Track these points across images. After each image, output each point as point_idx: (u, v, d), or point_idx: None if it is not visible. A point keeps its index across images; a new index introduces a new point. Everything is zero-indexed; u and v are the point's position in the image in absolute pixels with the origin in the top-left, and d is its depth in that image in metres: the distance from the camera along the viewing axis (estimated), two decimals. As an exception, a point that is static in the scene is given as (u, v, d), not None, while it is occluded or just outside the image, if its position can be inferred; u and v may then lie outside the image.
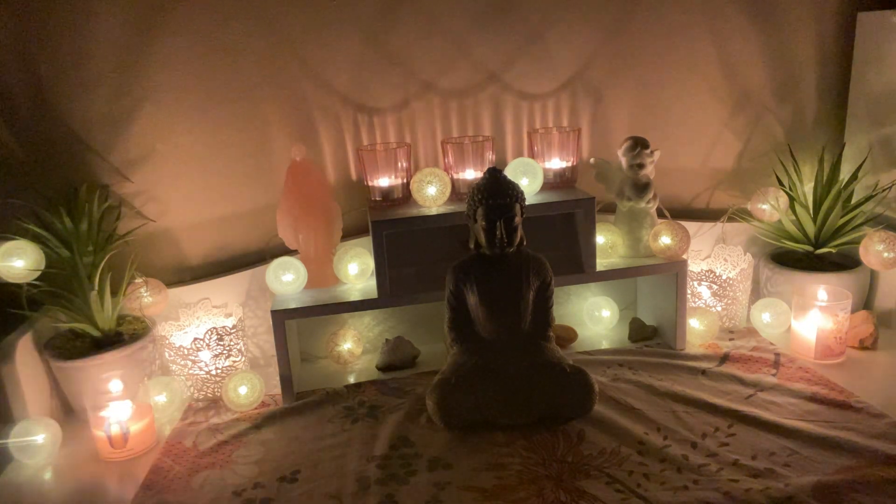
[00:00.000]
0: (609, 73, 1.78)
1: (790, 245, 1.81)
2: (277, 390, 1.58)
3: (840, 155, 1.77)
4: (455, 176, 1.65)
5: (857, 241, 1.70)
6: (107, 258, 1.54)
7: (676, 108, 1.84)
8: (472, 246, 1.47)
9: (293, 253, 1.66)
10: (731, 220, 1.86)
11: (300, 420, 1.49)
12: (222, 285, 1.72)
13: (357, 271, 1.61)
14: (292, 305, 1.55)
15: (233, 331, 1.61)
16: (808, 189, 1.84)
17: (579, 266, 1.63)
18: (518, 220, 1.42)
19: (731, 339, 1.72)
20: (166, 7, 1.57)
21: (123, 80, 1.59)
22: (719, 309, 1.76)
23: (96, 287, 1.51)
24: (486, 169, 1.48)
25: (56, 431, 1.43)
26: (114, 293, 1.56)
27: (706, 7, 1.77)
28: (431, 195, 1.58)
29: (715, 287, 1.75)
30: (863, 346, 1.63)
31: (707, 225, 1.86)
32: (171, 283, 1.69)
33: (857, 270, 1.72)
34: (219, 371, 1.59)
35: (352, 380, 1.66)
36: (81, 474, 1.37)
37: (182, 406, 1.58)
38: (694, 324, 1.69)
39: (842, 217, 1.74)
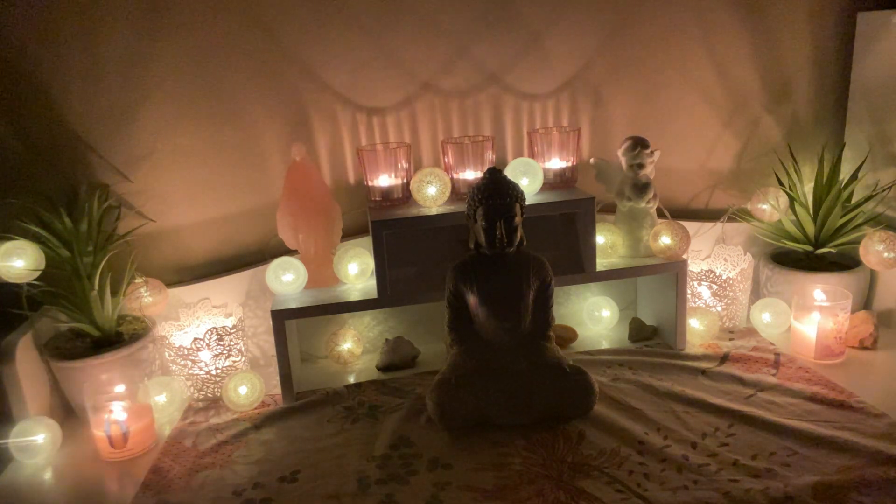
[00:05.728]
0: (609, 73, 1.78)
1: (790, 245, 1.81)
2: (277, 390, 1.58)
3: (840, 155, 1.77)
4: (455, 176, 1.65)
5: (857, 241, 1.70)
6: (107, 258, 1.54)
7: (676, 108, 1.84)
8: (472, 246, 1.47)
9: (293, 253, 1.66)
10: (730, 220, 1.86)
11: (300, 420, 1.49)
12: (222, 285, 1.72)
13: (357, 271, 1.61)
14: (292, 305, 1.55)
15: (233, 331, 1.61)
16: (808, 189, 1.84)
17: (579, 266, 1.63)
18: (518, 220, 1.42)
19: (731, 339, 1.72)
20: (165, 8, 1.57)
21: (123, 80, 1.59)
22: (719, 309, 1.76)
23: (96, 287, 1.51)
24: (486, 169, 1.48)
25: (56, 431, 1.43)
26: (114, 293, 1.56)
27: (706, 7, 1.77)
28: (431, 195, 1.58)
29: (715, 287, 1.75)
30: (863, 346, 1.63)
31: (707, 225, 1.86)
32: (171, 283, 1.69)
33: (857, 270, 1.72)
34: (219, 371, 1.59)
35: (352, 380, 1.66)
36: (81, 474, 1.37)
37: (182, 406, 1.59)
38: (694, 324, 1.69)
39: (842, 217, 1.74)
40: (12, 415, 1.42)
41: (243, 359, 1.65)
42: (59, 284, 1.49)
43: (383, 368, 1.69)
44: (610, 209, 1.75)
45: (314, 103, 1.69)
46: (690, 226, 1.76)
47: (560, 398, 1.38)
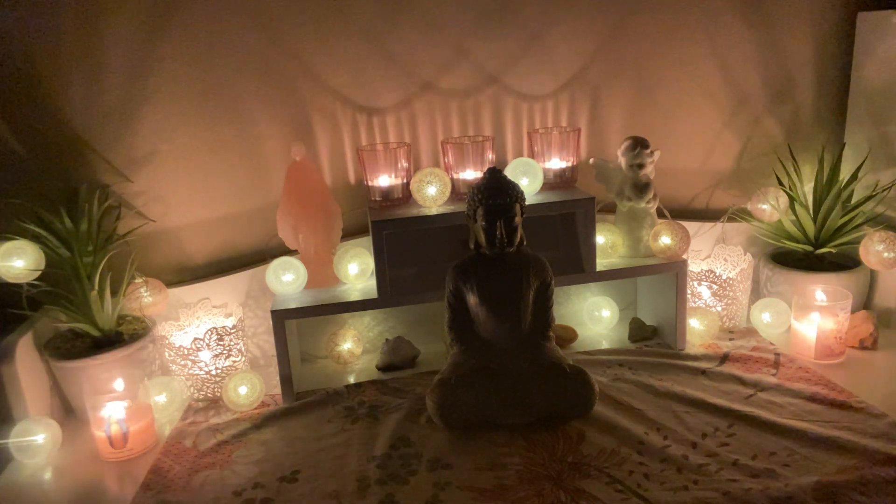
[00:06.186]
0: (609, 73, 1.78)
1: (790, 245, 1.81)
2: (277, 390, 1.58)
3: (840, 155, 1.77)
4: (455, 176, 1.65)
5: (857, 241, 1.70)
6: (107, 258, 1.54)
7: (676, 107, 1.84)
8: (472, 246, 1.47)
9: (293, 253, 1.66)
10: (731, 220, 1.86)
11: (300, 420, 1.49)
12: (222, 285, 1.72)
13: (357, 271, 1.61)
14: (292, 305, 1.55)
15: (233, 331, 1.61)
16: (808, 189, 1.84)
17: (579, 266, 1.63)
18: (518, 219, 1.42)
19: (731, 339, 1.72)
20: (166, 8, 1.57)
21: (124, 80, 1.59)
22: (719, 309, 1.76)
23: (96, 287, 1.51)
24: (486, 169, 1.48)
25: (56, 431, 1.43)
26: (114, 293, 1.56)
27: (706, 6, 1.77)
28: (431, 195, 1.58)
29: (715, 287, 1.75)
30: (863, 346, 1.63)
31: (707, 225, 1.86)
32: (171, 283, 1.69)
33: (857, 270, 1.72)
34: (219, 371, 1.59)
35: (352, 380, 1.66)
36: (81, 474, 1.37)
37: (182, 406, 1.58)
38: (694, 324, 1.69)
39: (842, 217, 1.74)
40: (12, 415, 1.42)
41: (243, 359, 1.65)
42: (59, 284, 1.49)
43: (383, 368, 1.69)
44: (610, 209, 1.75)
45: (314, 103, 1.69)
46: (690, 226, 1.76)
47: (560, 398, 1.38)
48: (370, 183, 1.63)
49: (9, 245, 1.42)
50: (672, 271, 1.64)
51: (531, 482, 1.22)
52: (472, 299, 1.46)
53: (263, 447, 1.40)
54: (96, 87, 1.58)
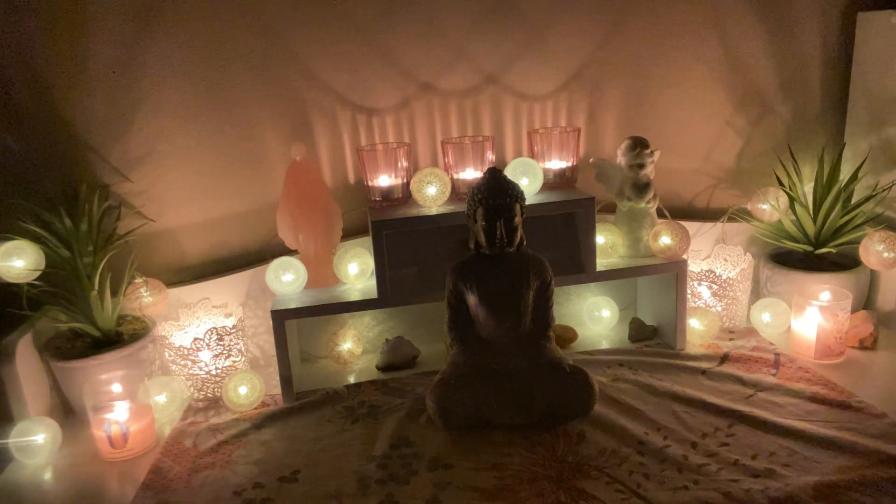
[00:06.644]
0: (609, 73, 1.78)
1: (790, 245, 1.81)
2: (277, 390, 1.58)
3: (840, 155, 1.77)
4: (455, 176, 1.65)
5: (857, 241, 1.70)
6: (107, 258, 1.54)
7: (676, 108, 1.84)
8: (472, 246, 1.47)
9: (293, 253, 1.66)
10: (731, 220, 1.86)
11: (300, 420, 1.49)
12: (222, 285, 1.72)
13: (357, 271, 1.61)
14: (292, 305, 1.55)
15: (233, 331, 1.61)
16: (808, 189, 1.84)
17: (579, 266, 1.63)
18: (518, 220, 1.42)
19: (731, 339, 1.72)
20: (165, 8, 1.57)
21: (123, 80, 1.59)
22: (719, 309, 1.76)
23: (96, 287, 1.51)
24: (486, 169, 1.48)
25: (56, 431, 1.43)
26: (114, 293, 1.56)
27: (706, 7, 1.77)
28: (431, 195, 1.58)
29: (715, 287, 1.75)
30: (863, 346, 1.63)
31: (707, 225, 1.86)
32: (171, 283, 1.69)
33: (857, 270, 1.72)
34: (219, 371, 1.59)
35: (352, 380, 1.66)
36: (81, 474, 1.37)
37: (182, 406, 1.58)
38: (694, 324, 1.69)
39: (842, 217, 1.74)
40: (12, 415, 1.42)
41: (243, 359, 1.65)
42: (59, 284, 1.49)
43: (383, 368, 1.69)
44: (610, 209, 1.75)
45: (314, 103, 1.69)
46: (690, 226, 1.76)
47: (560, 398, 1.38)
48: (370, 183, 1.63)
49: (9, 245, 1.42)
50: (672, 271, 1.64)
51: (531, 482, 1.22)
52: (471, 299, 1.46)
53: (263, 447, 1.40)
54: (95, 87, 1.58)
